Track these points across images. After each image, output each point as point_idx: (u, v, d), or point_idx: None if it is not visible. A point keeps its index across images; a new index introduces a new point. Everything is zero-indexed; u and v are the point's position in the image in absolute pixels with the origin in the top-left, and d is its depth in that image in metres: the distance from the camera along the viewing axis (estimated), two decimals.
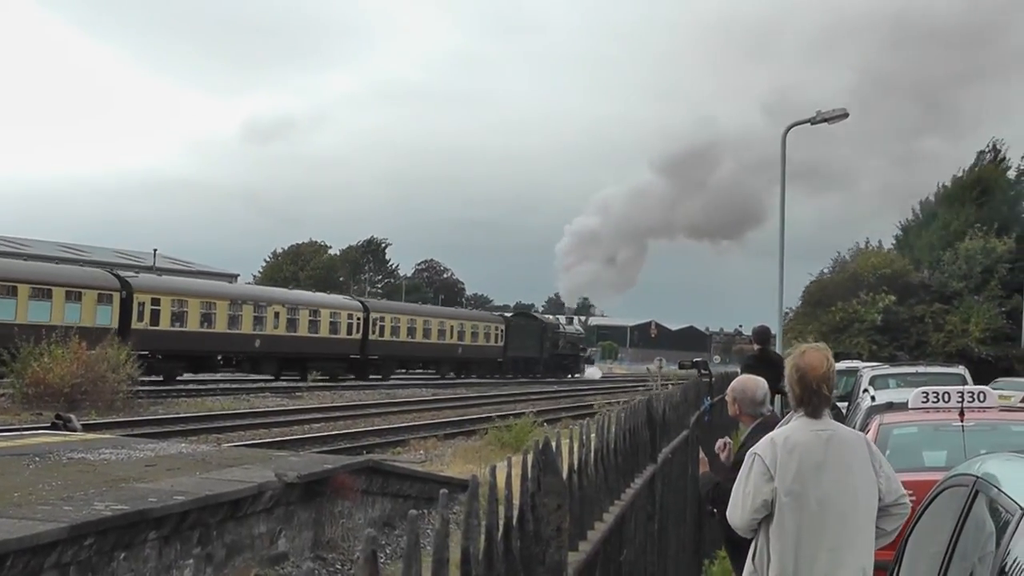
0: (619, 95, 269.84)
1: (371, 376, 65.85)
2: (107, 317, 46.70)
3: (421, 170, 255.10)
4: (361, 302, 70.23)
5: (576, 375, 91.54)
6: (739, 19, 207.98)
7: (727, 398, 8.02)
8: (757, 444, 5.99)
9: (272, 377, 58.09)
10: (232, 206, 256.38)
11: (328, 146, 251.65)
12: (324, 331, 62.33)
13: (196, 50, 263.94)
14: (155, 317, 49.83)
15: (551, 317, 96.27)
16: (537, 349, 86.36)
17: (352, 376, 64.29)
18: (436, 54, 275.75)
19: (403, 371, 74.73)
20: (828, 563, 5.59)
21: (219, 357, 55.23)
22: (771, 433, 6.05)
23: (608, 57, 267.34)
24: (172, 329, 50.82)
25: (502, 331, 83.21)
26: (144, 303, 49.41)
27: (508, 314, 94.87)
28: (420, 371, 78.35)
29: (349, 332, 64.73)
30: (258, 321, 56.95)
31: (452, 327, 77.08)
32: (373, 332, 66.89)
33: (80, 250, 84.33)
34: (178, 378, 51.40)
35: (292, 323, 59.75)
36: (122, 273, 52.25)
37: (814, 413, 5.84)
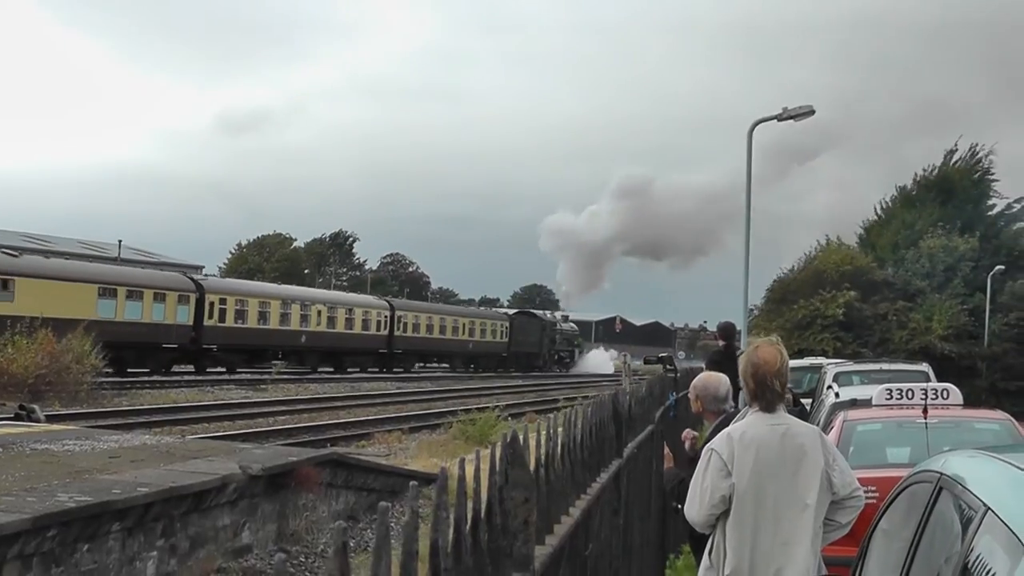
0: (597, 93, 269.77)
1: (395, 369, 72.37)
2: (185, 315, 53.72)
3: (394, 165, 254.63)
4: (388, 302, 76.89)
5: (571, 369, 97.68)
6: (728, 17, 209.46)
7: (690, 395, 8.03)
8: (713, 440, 6.02)
9: (310, 369, 64.06)
10: (201, 198, 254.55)
11: (301, 139, 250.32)
12: (358, 328, 69.51)
13: (173, 42, 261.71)
14: (222, 315, 56.47)
15: (549, 315, 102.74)
16: (537, 345, 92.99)
17: (379, 368, 70.68)
18: (415, 49, 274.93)
19: (422, 364, 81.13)
20: (781, 557, 5.62)
21: (270, 351, 61.74)
22: (727, 429, 6.08)
23: (588, 55, 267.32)
24: (236, 326, 57.57)
25: (507, 328, 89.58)
26: (214, 303, 56.03)
27: (512, 311, 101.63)
28: (435, 363, 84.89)
29: (378, 329, 71.77)
30: (304, 319, 63.94)
31: (464, 324, 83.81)
32: (398, 329, 73.75)
33: (45, 240, 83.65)
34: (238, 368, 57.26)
35: (331, 320, 66.86)
36: (195, 276, 60.46)
37: (768, 407, 5.87)
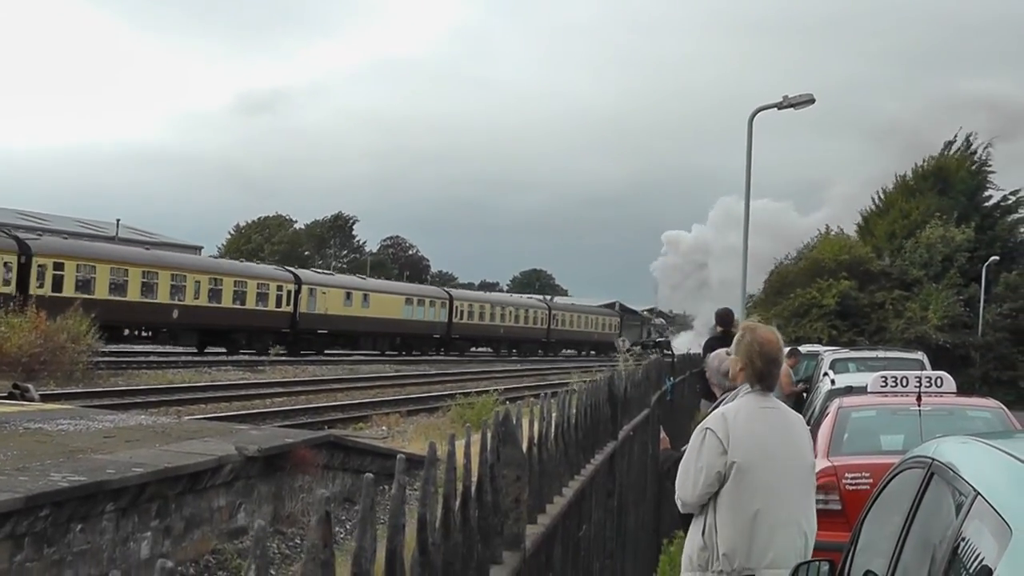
0: (616, 84, 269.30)
1: (549, 354, 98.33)
2: (444, 315, 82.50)
3: (407, 149, 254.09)
4: (547, 303, 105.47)
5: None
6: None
7: (707, 375, 7.98)
8: (707, 419, 5.97)
9: (491, 352, 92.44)
10: (210, 178, 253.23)
11: (316, 121, 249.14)
12: (530, 323, 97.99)
13: (193, 19, 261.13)
14: (462, 315, 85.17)
15: (646, 312, 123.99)
16: (638, 336, 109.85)
17: (539, 353, 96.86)
18: (437, 33, 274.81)
19: (567, 350, 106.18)
20: (781, 536, 5.62)
21: (483, 340, 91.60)
22: (721, 408, 6.04)
23: (611, 44, 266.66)
24: (468, 322, 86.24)
25: (617, 323, 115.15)
26: (458, 306, 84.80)
27: (620, 307, 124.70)
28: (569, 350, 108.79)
29: (541, 323, 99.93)
30: (502, 316, 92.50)
31: (592, 319, 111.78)
32: (554, 323, 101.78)
33: (41, 219, 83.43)
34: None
35: (516, 317, 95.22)
36: (447, 288, 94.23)
37: (768, 388, 5.85)
